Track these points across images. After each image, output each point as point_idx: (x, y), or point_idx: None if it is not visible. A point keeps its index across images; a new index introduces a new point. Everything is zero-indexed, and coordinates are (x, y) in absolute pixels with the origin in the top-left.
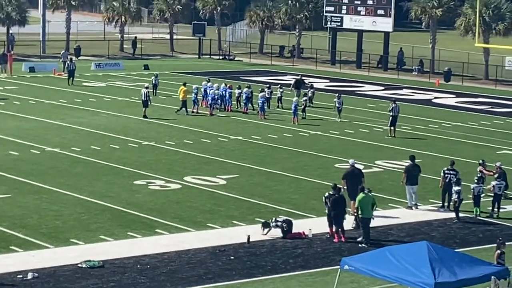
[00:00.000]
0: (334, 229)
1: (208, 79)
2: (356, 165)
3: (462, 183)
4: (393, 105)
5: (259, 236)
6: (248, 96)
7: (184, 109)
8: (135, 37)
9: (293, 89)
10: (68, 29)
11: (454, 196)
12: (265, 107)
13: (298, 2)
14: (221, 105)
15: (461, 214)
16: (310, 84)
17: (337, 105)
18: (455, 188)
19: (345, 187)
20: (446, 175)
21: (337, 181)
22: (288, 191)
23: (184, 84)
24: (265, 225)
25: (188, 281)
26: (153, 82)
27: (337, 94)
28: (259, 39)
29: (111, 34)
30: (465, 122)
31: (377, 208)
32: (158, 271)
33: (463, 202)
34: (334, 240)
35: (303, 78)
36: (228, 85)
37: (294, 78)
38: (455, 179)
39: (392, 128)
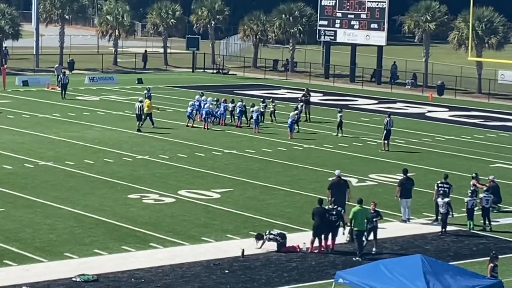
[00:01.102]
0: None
1: (202, 93)
2: (342, 177)
3: (455, 196)
4: (387, 119)
5: (253, 249)
6: (241, 109)
7: (150, 121)
8: (145, 51)
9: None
10: (61, 43)
11: (442, 209)
12: (259, 121)
13: (291, 16)
14: (214, 119)
15: (454, 228)
16: (300, 98)
17: (338, 119)
18: (444, 199)
19: (329, 198)
20: (439, 189)
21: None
22: (282, 205)
23: (149, 98)
24: (259, 237)
25: None
26: (146, 96)
27: (338, 109)
28: (252, 53)
29: (105, 48)
30: (459, 135)
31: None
32: (152, 285)
33: (453, 216)
34: (315, 251)
35: (310, 92)
36: (223, 99)
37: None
38: (444, 191)
39: (386, 141)
